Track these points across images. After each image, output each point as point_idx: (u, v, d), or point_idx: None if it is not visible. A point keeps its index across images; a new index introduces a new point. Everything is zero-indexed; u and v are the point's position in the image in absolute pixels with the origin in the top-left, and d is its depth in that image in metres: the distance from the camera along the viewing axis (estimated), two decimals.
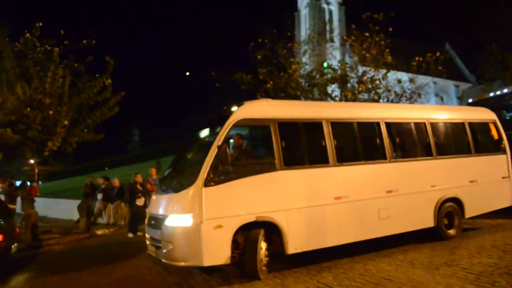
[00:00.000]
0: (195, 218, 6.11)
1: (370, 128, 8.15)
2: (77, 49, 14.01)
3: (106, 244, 12.05)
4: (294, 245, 6.80)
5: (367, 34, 13.57)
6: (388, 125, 8.22)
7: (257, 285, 6.37)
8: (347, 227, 7.46)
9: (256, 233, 6.51)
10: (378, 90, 14.07)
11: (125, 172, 31.11)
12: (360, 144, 7.95)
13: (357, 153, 7.89)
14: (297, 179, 6.98)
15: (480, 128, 9.81)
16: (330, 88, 13.68)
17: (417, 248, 8.16)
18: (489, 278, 5.87)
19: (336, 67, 14.06)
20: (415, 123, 8.69)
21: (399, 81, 14.00)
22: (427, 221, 8.45)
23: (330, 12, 54.88)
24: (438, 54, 13.93)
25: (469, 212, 9.06)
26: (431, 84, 50.67)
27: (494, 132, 10.02)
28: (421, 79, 15.78)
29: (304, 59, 14.94)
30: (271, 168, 6.73)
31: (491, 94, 13.58)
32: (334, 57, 15.42)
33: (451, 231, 8.81)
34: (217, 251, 6.22)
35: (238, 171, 6.50)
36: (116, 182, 15.52)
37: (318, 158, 7.35)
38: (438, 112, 9.52)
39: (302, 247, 6.92)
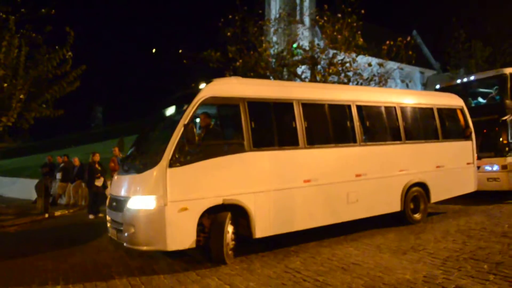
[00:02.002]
0: (159, 200, 5.80)
1: (341, 111, 7.99)
2: (35, 18, 13.10)
3: (65, 226, 11.53)
4: (262, 229, 6.62)
5: (339, 15, 13.36)
6: (359, 108, 8.09)
7: (223, 269, 6.15)
8: (316, 211, 7.34)
9: (223, 217, 6.27)
10: (348, 73, 13.96)
11: (88, 151, 30.08)
12: (330, 126, 7.78)
13: (328, 136, 7.73)
14: (266, 161, 6.75)
15: (448, 114, 9.88)
16: (300, 69, 13.46)
17: (383, 233, 8.17)
18: (455, 263, 5.90)
19: (307, 48, 13.84)
20: (386, 107, 8.61)
21: (369, 65, 13.94)
22: (394, 205, 8.47)
23: None
24: (408, 38, 13.94)
25: (434, 197, 9.16)
26: (397, 70, 51.69)
27: (461, 119, 10.12)
28: (390, 64, 15.79)
29: (274, 39, 14.65)
30: (240, 149, 6.47)
31: (458, 81, 13.73)
32: (305, 38, 15.19)
33: (417, 216, 8.89)
34: (181, 235, 5.95)
35: (205, 152, 6.20)
36: (76, 161, 14.88)
37: (288, 140, 7.14)
38: (408, 97, 9.47)
39: (270, 231, 6.75)
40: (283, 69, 13.12)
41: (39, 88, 12.40)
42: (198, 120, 7.05)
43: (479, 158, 11.78)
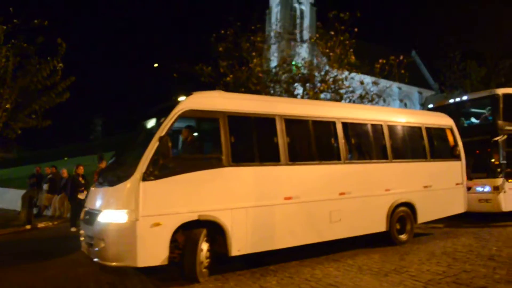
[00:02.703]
0: (131, 215, 5.61)
1: (325, 128, 7.85)
2: (28, 29, 13.07)
3: (46, 238, 11.31)
4: (239, 246, 6.41)
5: (332, 32, 13.34)
6: (345, 125, 7.95)
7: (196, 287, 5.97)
8: (297, 229, 7.15)
9: (197, 233, 6.07)
10: (341, 91, 13.89)
11: (85, 163, 29.84)
12: (314, 143, 7.63)
13: (311, 153, 7.57)
14: (245, 177, 6.59)
15: (436, 133, 9.74)
16: (293, 86, 13.37)
17: (367, 253, 7.97)
18: (436, 287, 5.70)
19: (300, 65, 13.78)
20: (372, 125, 8.47)
21: (362, 83, 13.87)
22: (379, 225, 8.27)
23: (302, 12, 54.87)
24: (401, 57, 13.90)
25: (421, 218, 8.96)
26: (395, 90, 52.00)
27: (450, 138, 9.98)
28: (385, 83, 15.74)
29: (273, 56, 14.63)
30: (218, 164, 6.30)
31: (451, 101, 13.64)
32: (298, 55, 15.15)
33: (403, 236, 8.68)
34: (153, 251, 5.75)
35: (182, 166, 6.04)
36: (64, 172, 14.68)
37: (269, 156, 6.98)
38: (396, 115, 9.36)
39: (247, 249, 6.55)
40: (275, 86, 13.03)
41: (27, 99, 12.29)
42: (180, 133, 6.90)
43: (470, 178, 11.66)
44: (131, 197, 5.63)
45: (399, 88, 52.56)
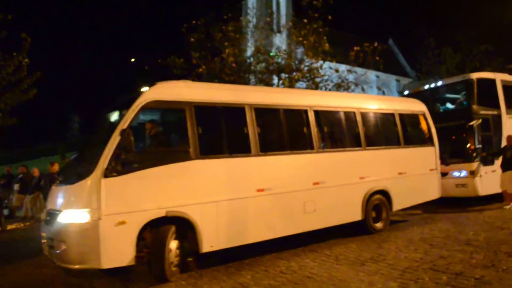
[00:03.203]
0: (92, 214, 5.33)
1: (297, 116, 7.68)
2: None
3: (16, 240, 10.88)
4: (210, 242, 6.21)
5: (305, 20, 13.12)
6: (317, 113, 7.79)
7: (168, 286, 5.76)
8: (270, 222, 6.98)
9: (165, 231, 5.83)
10: (316, 79, 13.71)
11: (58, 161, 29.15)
12: (286, 132, 7.46)
13: (283, 142, 7.40)
14: (214, 170, 6.38)
15: (410, 120, 9.67)
16: (268, 76, 13.10)
17: (345, 242, 7.90)
18: (413, 275, 5.64)
19: (274, 54, 13.53)
20: (345, 112, 8.34)
21: (337, 71, 13.72)
22: (355, 214, 8.17)
23: (278, 3, 54.38)
24: (376, 44, 13.79)
25: (397, 205, 8.90)
26: (373, 78, 52.17)
27: (423, 124, 9.93)
28: (361, 71, 15.62)
29: (246, 46, 14.32)
30: (185, 157, 6.07)
31: (426, 87, 13.61)
32: (273, 45, 14.88)
33: (379, 225, 8.61)
34: (118, 251, 5.49)
35: (147, 160, 5.79)
36: (35, 171, 14.20)
37: (239, 147, 6.78)
38: (369, 102, 9.24)
39: (219, 244, 6.35)
40: (248, 76, 12.76)
41: None
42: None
43: (447, 164, 11.67)
44: (92, 195, 5.35)
45: (377, 77, 52.80)
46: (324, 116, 7.97)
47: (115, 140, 5.50)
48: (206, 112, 6.52)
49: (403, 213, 10.66)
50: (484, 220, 9.43)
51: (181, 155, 6.06)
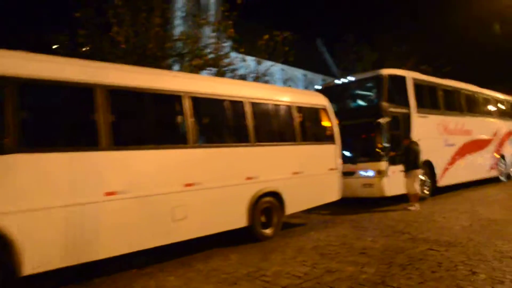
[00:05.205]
0: None
1: (168, 103, 6.39)
2: None
3: None
4: (35, 262, 4.74)
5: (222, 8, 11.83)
6: (194, 100, 6.51)
7: None
8: (125, 233, 5.63)
9: None
10: (224, 69, 12.52)
11: None
12: (151, 122, 6.15)
13: (145, 134, 6.08)
14: (44, 167, 4.90)
15: (309, 114, 8.73)
16: (165, 62, 11.64)
17: (226, 253, 6.79)
18: None
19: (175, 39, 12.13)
20: (231, 102, 7.16)
21: (244, 60, 12.61)
22: (239, 220, 7.06)
23: None
24: (286, 34, 12.86)
25: (291, 208, 7.92)
26: (300, 77, 52.33)
27: (325, 120, 9.06)
28: (276, 65, 14.68)
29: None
30: None
31: (337, 82, 12.99)
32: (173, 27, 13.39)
33: (269, 231, 7.58)
34: None
35: None
36: None
37: (82, 138, 5.40)
38: (261, 92, 8.14)
39: (50, 264, 4.90)
40: (141, 61, 11.15)
41: None
42: None
43: (355, 163, 11.07)
44: None
45: (305, 75, 53.18)
46: (204, 105, 6.75)
47: None
48: (37, 92, 5.07)
49: (305, 215, 9.84)
50: (387, 224, 8.82)
51: None
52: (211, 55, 12.21)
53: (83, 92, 5.42)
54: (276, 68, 13.59)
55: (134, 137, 5.92)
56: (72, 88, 5.34)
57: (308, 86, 49.05)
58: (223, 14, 12.18)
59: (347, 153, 11.07)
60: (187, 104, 6.38)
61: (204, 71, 12.40)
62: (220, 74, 12.27)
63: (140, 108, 6.06)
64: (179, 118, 6.36)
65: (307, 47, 59.83)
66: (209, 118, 6.91)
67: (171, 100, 6.34)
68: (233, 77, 12.60)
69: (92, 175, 5.31)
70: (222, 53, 12.27)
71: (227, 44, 12.59)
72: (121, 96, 5.77)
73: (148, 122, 6.12)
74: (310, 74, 52.33)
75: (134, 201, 5.64)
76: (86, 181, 5.25)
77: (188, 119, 6.35)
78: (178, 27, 13.35)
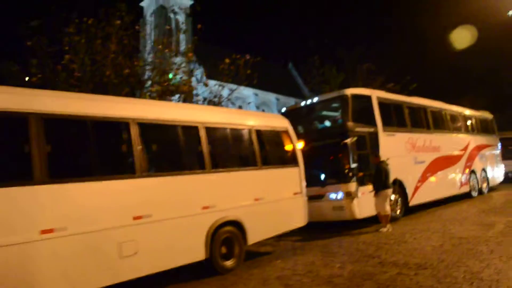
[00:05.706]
0: None
1: (113, 131, 5.95)
2: None
3: None
4: None
5: (168, 27, 11.59)
6: (142, 127, 6.09)
7: None
8: (66, 274, 5.07)
9: None
10: (185, 94, 12.14)
11: None
12: (93, 151, 5.66)
13: (87, 165, 5.60)
14: None
15: (270, 137, 8.39)
16: (120, 88, 11.21)
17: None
18: None
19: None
20: (184, 127, 6.76)
21: (206, 85, 12.30)
22: (197, 252, 6.56)
23: (177, 22, 53.03)
24: (247, 57, 12.66)
25: (254, 237, 7.47)
26: (274, 101, 52.55)
27: (286, 142, 8.74)
28: (245, 89, 14.47)
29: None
30: None
31: (302, 104, 12.80)
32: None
33: (230, 262, 7.09)
34: None
35: None
36: None
37: (13, 171, 4.91)
38: (217, 115, 7.78)
39: None
40: (100, 89, 10.70)
41: None
42: None
43: (324, 185, 10.76)
44: None
45: (277, 99, 53.48)
46: (154, 132, 6.34)
47: None
48: None
49: (274, 242, 9.40)
50: (357, 248, 8.47)
51: None
52: (174, 81, 11.84)
53: (15, 120, 4.95)
54: (249, 93, 13.37)
55: (74, 169, 5.43)
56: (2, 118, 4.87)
57: (281, 110, 49.46)
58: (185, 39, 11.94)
59: (315, 176, 10.77)
60: (134, 131, 5.95)
61: (167, 98, 12.01)
62: (183, 100, 11.90)
63: (80, 136, 5.60)
64: (125, 146, 5.91)
65: (281, 72, 60.80)
66: (159, 145, 6.50)
67: (115, 127, 5.90)
68: (196, 102, 12.25)
69: (26, 211, 4.79)
70: (184, 78, 11.92)
71: (186, 70, 12.25)
72: (60, 124, 5.32)
73: (90, 152, 5.63)
74: (283, 98, 52.80)
75: (74, 238, 5.12)
76: (19, 219, 4.73)
77: (136, 147, 5.91)
78: (146, 54, 13.05)
